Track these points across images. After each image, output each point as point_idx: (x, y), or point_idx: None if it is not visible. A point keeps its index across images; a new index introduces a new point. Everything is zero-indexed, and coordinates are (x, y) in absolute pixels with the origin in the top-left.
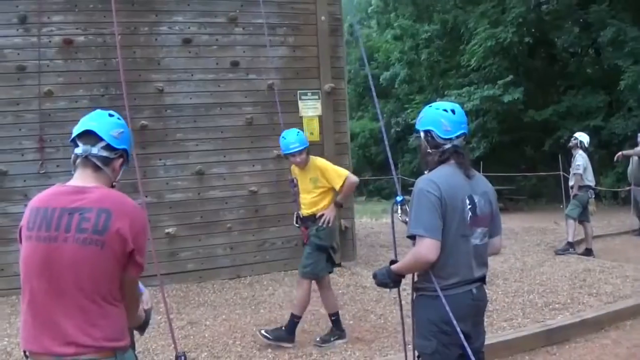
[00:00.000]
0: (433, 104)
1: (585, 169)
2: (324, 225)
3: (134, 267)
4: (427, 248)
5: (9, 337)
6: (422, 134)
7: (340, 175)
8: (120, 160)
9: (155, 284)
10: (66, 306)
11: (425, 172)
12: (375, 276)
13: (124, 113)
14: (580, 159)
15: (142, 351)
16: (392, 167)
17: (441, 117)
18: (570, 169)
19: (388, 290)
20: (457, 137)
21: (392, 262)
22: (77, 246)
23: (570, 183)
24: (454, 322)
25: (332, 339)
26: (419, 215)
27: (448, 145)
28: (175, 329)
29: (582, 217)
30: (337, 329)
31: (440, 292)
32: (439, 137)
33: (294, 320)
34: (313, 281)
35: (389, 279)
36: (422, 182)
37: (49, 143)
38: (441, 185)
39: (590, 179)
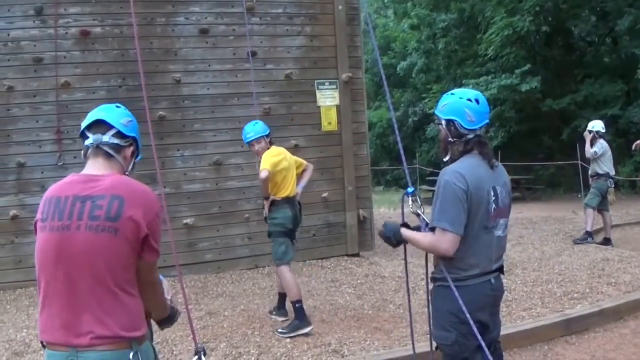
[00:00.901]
0: (456, 92)
1: (603, 155)
2: (266, 214)
3: (150, 252)
4: (449, 243)
5: (27, 328)
6: (443, 122)
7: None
8: (131, 148)
9: (174, 275)
10: (81, 296)
11: (445, 160)
12: (385, 226)
13: (142, 104)
14: (599, 146)
15: (161, 342)
16: (403, 158)
17: (465, 107)
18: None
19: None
20: (481, 127)
21: (404, 224)
22: (90, 233)
23: (590, 172)
24: (467, 315)
25: (293, 329)
26: (444, 208)
27: (471, 136)
28: (194, 319)
29: (601, 206)
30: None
31: (461, 282)
32: (463, 127)
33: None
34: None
35: (394, 238)
36: (449, 174)
37: (67, 134)
38: (468, 177)
39: (609, 167)
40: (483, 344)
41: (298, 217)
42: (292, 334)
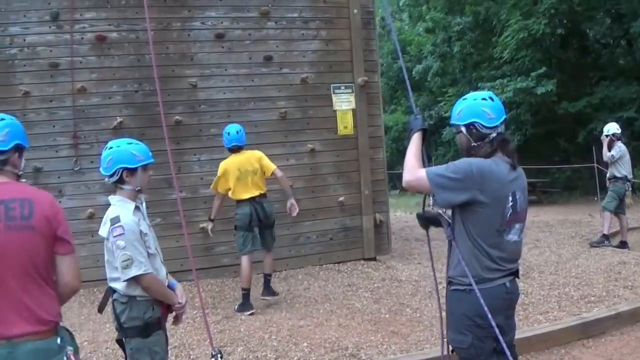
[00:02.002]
0: (467, 97)
1: (621, 158)
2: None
3: (64, 245)
4: (415, 181)
5: None
6: (463, 129)
7: None
8: (16, 153)
9: (191, 279)
10: (12, 291)
11: None
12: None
13: (158, 109)
14: (617, 149)
15: (178, 346)
16: (425, 158)
17: (482, 106)
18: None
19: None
20: (501, 123)
21: (424, 132)
22: (10, 233)
23: (608, 175)
24: (489, 315)
25: (239, 310)
26: (446, 172)
27: (494, 134)
28: (211, 323)
29: (618, 210)
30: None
31: (471, 285)
32: (484, 127)
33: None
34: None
35: (409, 131)
36: (477, 163)
37: (83, 139)
38: (486, 181)
39: (627, 171)
40: (505, 346)
41: (260, 213)
42: (240, 313)
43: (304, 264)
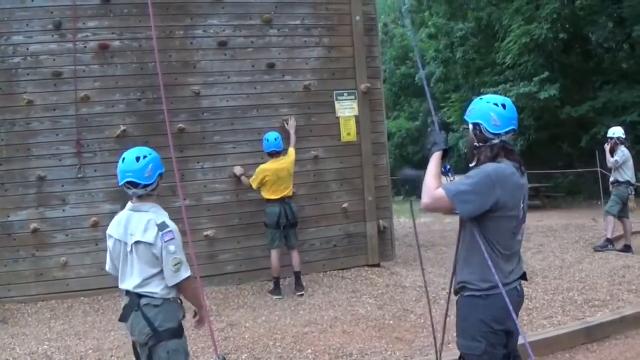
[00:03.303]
0: (484, 97)
1: (624, 163)
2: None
3: None
4: (435, 203)
5: (48, 341)
6: (470, 127)
7: None
8: None
9: (195, 287)
10: None
11: (471, 165)
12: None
13: (162, 117)
14: (620, 154)
15: None
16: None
17: (491, 111)
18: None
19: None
20: (506, 132)
21: (444, 152)
22: None
23: (611, 180)
24: (515, 318)
25: (271, 293)
26: (467, 187)
27: (496, 141)
28: (215, 330)
29: (621, 213)
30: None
31: (492, 290)
32: (488, 131)
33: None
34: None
35: (432, 146)
36: (495, 171)
37: (87, 148)
38: (506, 186)
39: (630, 175)
40: (529, 348)
41: (287, 213)
42: (271, 294)
43: (307, 271)
